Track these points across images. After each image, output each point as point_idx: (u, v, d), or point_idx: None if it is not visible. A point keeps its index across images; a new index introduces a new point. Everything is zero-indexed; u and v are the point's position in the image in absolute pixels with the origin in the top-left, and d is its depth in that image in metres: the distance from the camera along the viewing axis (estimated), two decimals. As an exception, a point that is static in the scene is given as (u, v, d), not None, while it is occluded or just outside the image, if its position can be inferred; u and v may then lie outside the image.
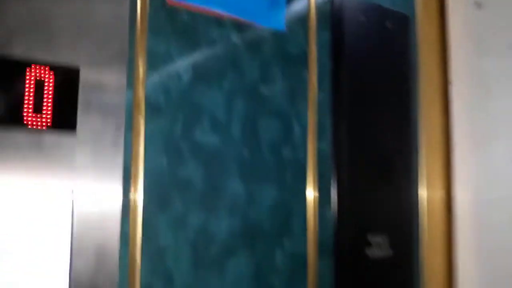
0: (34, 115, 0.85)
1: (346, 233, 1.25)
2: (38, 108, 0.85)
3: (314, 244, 1.21)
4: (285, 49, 1.25)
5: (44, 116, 0.86)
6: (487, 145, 1.45)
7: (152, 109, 1.00)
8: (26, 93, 0.85)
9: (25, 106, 0.85)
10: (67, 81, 0.88)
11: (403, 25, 1.49)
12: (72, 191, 0.87)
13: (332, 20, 1.36)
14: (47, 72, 0.86)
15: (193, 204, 1.04)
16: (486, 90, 1.46)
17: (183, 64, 1.08)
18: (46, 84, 0.86)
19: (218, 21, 1.15)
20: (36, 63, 0.85)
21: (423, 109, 1.49)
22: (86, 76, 0.90)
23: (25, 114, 0.85)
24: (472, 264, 1.41)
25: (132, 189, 0.96)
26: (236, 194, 1.10)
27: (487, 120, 1.45)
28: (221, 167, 1.09)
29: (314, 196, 1.22)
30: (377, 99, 1.40)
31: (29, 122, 0.85)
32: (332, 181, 1.23)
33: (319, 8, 1.32)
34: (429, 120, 1.51)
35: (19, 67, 0.85)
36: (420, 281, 1.37)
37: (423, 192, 1.44)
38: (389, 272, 1.33)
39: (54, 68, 0.87)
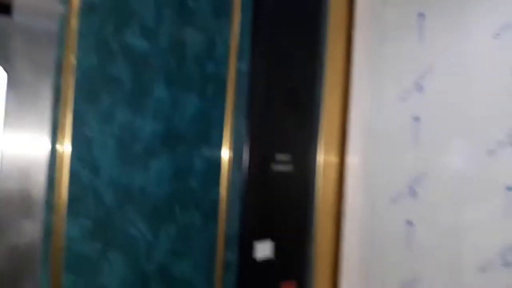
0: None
1: (257, 147, 1.41)
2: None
3: (229, 153, 1.35)
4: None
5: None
6: (380, 83, 1.68)
7: (87, 8, 1.04)
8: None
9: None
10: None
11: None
12: (7, 73, 0.90)
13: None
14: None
15: (120, 102, 1.11)
16: (384, 35, 1.68)
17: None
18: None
19: None
20: None
21: (329, 48, 1.67)
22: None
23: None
24: (358, 182, 1.68)
25: (63, 80, 1.00)
26: (161, 99, 1.19)
27: (382, 62, 1.68)
28: (148, 71, 1.16)
29: (232, 110, 1.35)
30: (291, 33, 1.55)
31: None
32: (248, 98, 1.37)
33: None
34: (334, 59, 1.70)
35: None
36: (314, 193, 1.61)
37: (323, 120, 1.65)
38: (289, 184, 1.53)
39: None
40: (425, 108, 1.56)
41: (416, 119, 1.57)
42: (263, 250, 1.45)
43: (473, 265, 1.43)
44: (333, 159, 1.68)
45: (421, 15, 1.58)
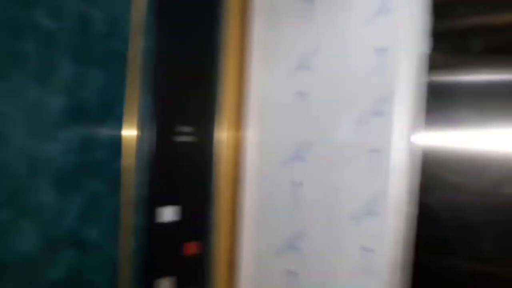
0: None
1: (161, 120, 1.51)
2: None
3: (133, 126, 1.44)
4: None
5: None
6: (273, 61, 1.87)
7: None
8: None
9: None
10: None
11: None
12: None
13: None
14: None
15: (29, 77, 1.15)
16: (278, 18, 1.86)
17: None
18: None
19: None
20: None
21: (228, 28, 1.80)
22: None
23: None
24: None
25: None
26: (68, 75, 1.24)
27: (275, 42, 1.86)
28: (55, 48, 1.21)
29: (136, 85, 1.43)
30: (192, 13, 1.65)
31: None
32: (152, 74, 1.46)
33: None
34: (232, 39, 1.84)
35: None
36: (215, 161, 1.76)
37: (223, 95, 1.80)
38: (192, 153, 1.67)
39: None
40: (311, 84, 1.78)
41: (303, 94, 1.79)
42: (168, 214, 1.58)
43: (346, 215, 1.71)
44: (232, 130, 1.85)
45: (309, 1, 1.77)
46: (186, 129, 1.61)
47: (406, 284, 1.70)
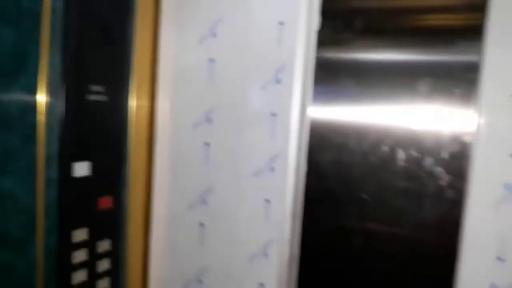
0: None
1: (72, 79, 1.59)
2: None
3: (45, 84, 1.52)
4: None
5: None
6: (184, 30, 2.00)
7: None
8: None
9: None
10: None
11: None
12: None
13: None
14: None
15: None
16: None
17: None
18: None
19: None
20: None
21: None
22: None
23: None
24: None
25: None
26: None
27: (185, 10, 1.99)
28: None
29: (48, 44, 1.50)
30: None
31: None
32: (63, 34, 1.53)
33: None
34: (144, 5, 1.94)
35: None
36: (128, 120, 1.88)
37: (135, 57, 1.90)
38: (104, 112, 1.77)
39: None
40: (218, 52, 1.94)
41: (211, 60, 1.95)
42: (81, 169, 1.69)
43: (249, 172, 1.93)
44: (145, 91, 1.97)
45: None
46: (98, 88, 1.70)
47: (299, 230, 1.97)
